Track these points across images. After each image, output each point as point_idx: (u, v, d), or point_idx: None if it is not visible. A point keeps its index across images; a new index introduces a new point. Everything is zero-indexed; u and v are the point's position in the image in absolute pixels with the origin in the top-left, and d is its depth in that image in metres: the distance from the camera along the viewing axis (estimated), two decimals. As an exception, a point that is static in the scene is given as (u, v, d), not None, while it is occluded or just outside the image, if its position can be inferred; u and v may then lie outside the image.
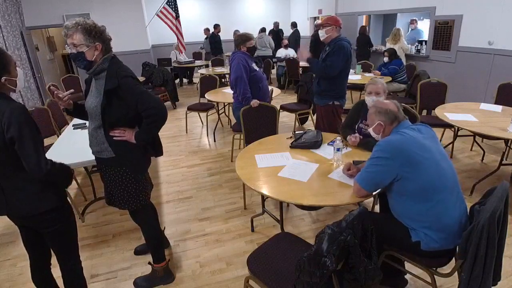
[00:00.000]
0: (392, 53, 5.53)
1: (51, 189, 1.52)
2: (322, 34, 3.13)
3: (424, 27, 6.96)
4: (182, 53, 8.41)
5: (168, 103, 6.81)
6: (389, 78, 5.41)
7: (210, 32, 8.91)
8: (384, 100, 1.78)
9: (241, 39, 3.35)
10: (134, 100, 1.66)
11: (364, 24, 7.99)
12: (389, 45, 6.31)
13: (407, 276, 2.02)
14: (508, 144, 3.42)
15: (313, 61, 3.16)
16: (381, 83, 2.42)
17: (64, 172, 1.57)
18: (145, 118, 1.71)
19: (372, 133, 1.84)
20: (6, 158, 1.40)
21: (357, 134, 2.45)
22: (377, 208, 2.59)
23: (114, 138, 1.74)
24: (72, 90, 1.83)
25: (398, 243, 1.68)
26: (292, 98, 6.19)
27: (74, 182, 3.17)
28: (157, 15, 7.68)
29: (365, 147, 2.38)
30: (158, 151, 2.02)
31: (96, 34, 1.62)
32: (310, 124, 5.19)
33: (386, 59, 5.54)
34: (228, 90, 4.82)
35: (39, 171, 1.41)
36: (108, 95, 1.66)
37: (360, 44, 7.23)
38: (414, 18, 7.23)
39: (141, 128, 1.76)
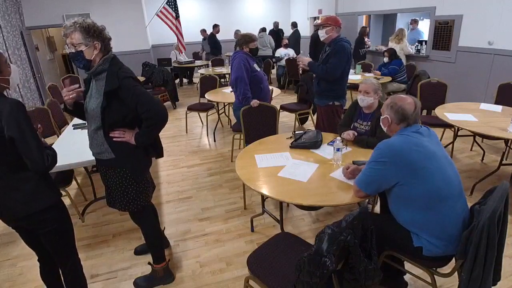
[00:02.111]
0: (392, 53, 5.53)
1: (46, 187, 1.52)
2: (322, 34, 3.13)
3: (424, 27, 6.96)
4: (182, 53, 8.41)
5: (168, 103, 6.81)
6: (389, 78, 5.42)
7: (207, 32, 8.91)
8: (403, 96, 1.70)
9: (244, 39, 3.33)
10: (134, 101, 1.65)
11: (364, 25, 7.98)
12: (391, 44, 6.30)
13: (407, 276, 2.02)
14: (508, 144, 3.42)
15: (314, 65, 3.16)
16: (372, 82, 2.43)
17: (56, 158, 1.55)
18: (145, 120, 1.70)
19: (381, 123, 1.78)
20: (3, 158, 1.39)
21: (351, 131, 2.47)
22: (377, 209, 2.60)
23: (114, 139, 1.74)
24: (77, 85, 1.78)
25: (399, 246, 1.66)
26: (292, 98, 6.19)
27: (74, 182, 3.17)
28: (157, 15, 7.68)
29: (359, 144, 2.43)
30: (159, 153, 2.02)
31: (95, 33, 1.62)
32: (310, 124, 5.19)
33: (386, 59, 5.55)
34: (228, 90, 4.83)
35: (42, 166, 1.42)
36: (108, 97, 1.65)
37: (356, 45, 7.21)
38: (415, 18, 7.22)
39: (141, 130, 1.76)
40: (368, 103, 2.45)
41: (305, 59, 3.25)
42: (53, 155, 1.51)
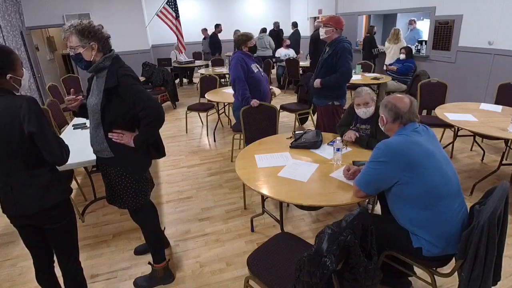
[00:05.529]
0: (409, 51, 5.67)
1: (57, 182, 1.54)
2: (322, 33, 3.14)
3: (424, 27, 6.95)
4: (182, 53, 8.41)
5: (168, 103, 6.81)
6: (389, 78, 5.45)
7: (208, 32, 8.92)
8: (400, 95, 1.72)
9: (242, 39, 3.36)
10: (132, 99, 1.66)
11: (364, 25, 7.95)
12: (388, 45, 6.31)
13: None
14: (508, 144, 3.42)
15: (325, 80, 3.14)
16: (366, 92, 2.41)
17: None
18: (142, 119, 1.71)
19: (379, 123, 1.80)
20: (20, 154, 1.41)
21: (352, 132, 2.46)
22: (377, 209, 2.60)
23: (113, 140, 1.75)
24: (72, 96, 1.83)
25: (399, 247, 1.67)
26: (292, 98, 6.19)
27: (74, 182, 3.17)
28: (157, 15, 7.68)
29: (359, 144, 2.43)
30: (161, 153, 2.02)
31: (90, 34, 1.64)
32: (310, 124, 5.19)
33: (402, 56, 5.65)
34: (228, 90, 4.83)
35: (61, 158, 1.47)
36: (107, 94, 1.66)
37: (365, 46, 7.12)
38: (413, 18, 7.22)
39: (140, 130, 1.76)
40: (371, 113, 2.44)
41: (316, 81, 3.20)
42: (67, 147, 1.55)
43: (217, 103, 4.93)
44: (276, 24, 9.19)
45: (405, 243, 1.61)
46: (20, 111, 1.35)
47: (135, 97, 1.65)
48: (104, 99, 1.67)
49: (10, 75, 1.42)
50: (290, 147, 2.47)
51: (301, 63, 7.32)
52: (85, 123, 3.31)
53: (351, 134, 2.45)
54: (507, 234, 1.55)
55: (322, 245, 1.24)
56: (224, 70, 7.17)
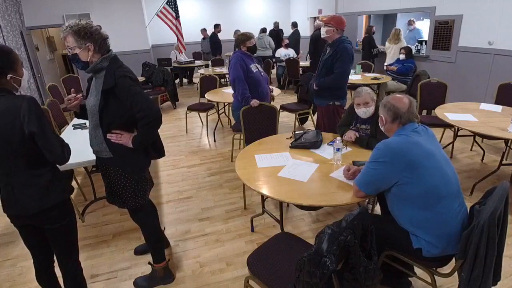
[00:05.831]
0: (409, 51, 5.69)
1: (57, 182, 1.54)
2: (323, 32, 3.14)
3: (424, 27, 6.95)
4: (182, 53, 8.41)
5: (168, 103, 6.80)
6: (389, 78, 5.44)
7: (207, 32, 8.93)
8: (399, 95, 1.72)
9: (241, 39, 3.36)
10: (129, 100, 1.66)
11: (364, 25, 7.95)
12: (389, 45, 6.32)
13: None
14: (508, 144, 3.42)
15: (322, 81, 3.14)
16: (367, 92, 2.42)
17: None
18: (139, 120, 1.71)
19: (379, 123, 1.80)
20: (20, 153, 1.41)
21: (352, 132, 2.46)
22: (377, 209, 2.60)
23: (111, 140, 1.76)
24: (79, 95, 1.84)
25: (399, 247, 1.67)
26: (292, 98, 6.19)
27: (74, 182, 3.17)
28: (157, 15, 7.68)
29: (359, 144, 2.43)
30: (160, 153, 2.03)
31: (86, 35, 1.64)
32: (310, 124, 5.19)
33: (402, 56, 5.69)
34: (228, 90, 4.83)
35: (62, 158, 1.48)
36: (105, 95, 1.67)
37: (364, 46, 7.14)
38: (412, 18, 7.21)
39: (138, 131, 1.77)
40: (371, 112, 2.44)
41: (314, 85, 3.23)
42: (68, 146, 1.56)
43: (217, 103, 4.93)
44: (276, 24, 9.19)
45: (405, 244, 1.61)
46: (20, 111, 1.35)
47: (132, 99, 1.66)
48: (102, 100, 1.67)
49: (10, 75, 1.42)
50: (290, 147, 2.47)
51: (301, 63, 7.32)
52: (85, 123, 3.31)
53: (351, 134, 2.45)
54: (507, 234, 1.55)
55: (322, 245, 1.24)
56: (224, 70, 7.17)
